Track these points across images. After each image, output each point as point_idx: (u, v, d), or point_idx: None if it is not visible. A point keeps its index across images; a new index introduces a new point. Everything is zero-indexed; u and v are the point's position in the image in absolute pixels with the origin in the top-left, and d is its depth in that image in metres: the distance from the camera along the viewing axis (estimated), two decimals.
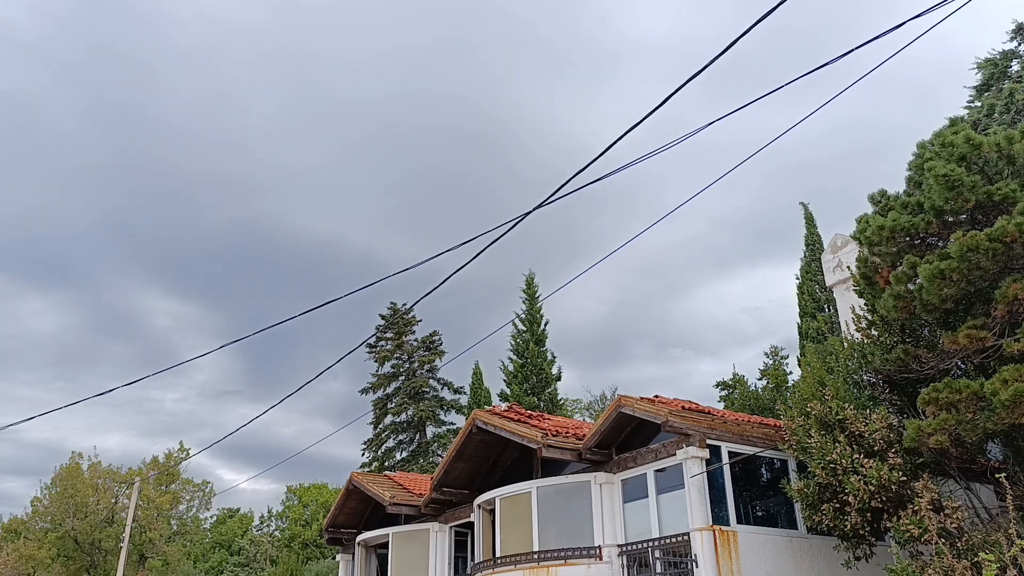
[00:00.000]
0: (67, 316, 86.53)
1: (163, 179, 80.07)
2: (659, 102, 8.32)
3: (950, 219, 10.90)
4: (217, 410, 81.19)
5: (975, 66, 24.76)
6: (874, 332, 12.29)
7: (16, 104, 72.23)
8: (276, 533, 52.28)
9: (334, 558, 28.19)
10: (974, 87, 24.77)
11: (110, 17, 71.10)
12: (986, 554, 7.50)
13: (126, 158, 79.31)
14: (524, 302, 34.23)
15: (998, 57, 24.24)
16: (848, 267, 15.82)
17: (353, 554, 21.56)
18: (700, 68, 8.05)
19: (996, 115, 22.28)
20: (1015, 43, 24.13)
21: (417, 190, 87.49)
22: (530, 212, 10.08)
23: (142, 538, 37.39)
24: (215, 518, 54.82)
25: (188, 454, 42.93)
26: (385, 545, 19.97)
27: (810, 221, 26.97)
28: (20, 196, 79.06)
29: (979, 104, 23.89)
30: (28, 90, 72.90)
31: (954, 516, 10.18)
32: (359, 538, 20.81)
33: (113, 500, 38.96)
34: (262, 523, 55.07)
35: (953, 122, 11.73)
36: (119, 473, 40.44)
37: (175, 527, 42.85)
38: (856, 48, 8.18)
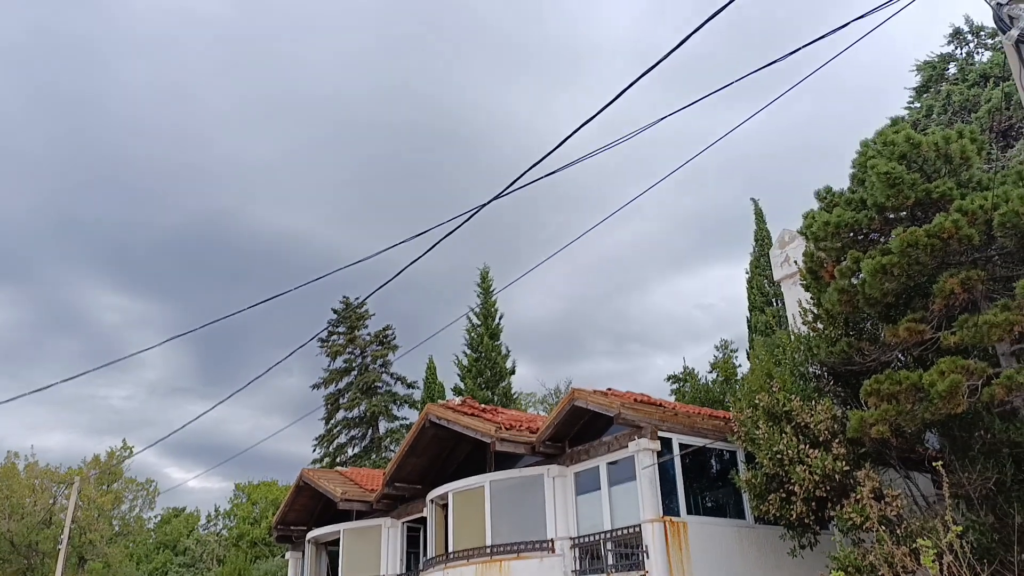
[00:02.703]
0: (7, 312, 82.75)
1: (114, 171, 77.24)
2: (613, 97, 8.33)
3: (891, 216, 11.21)
4: (167, 408, 78.86)
5: (915, 68, 25.60)
6: (819, 325, 12.56)
7: None
8: (223, 532, 51.12)
9: (283, 556, 27.69)
10: (914, 88, 25.62)
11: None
12: (924, 540, 7.75)
13: (75, 148, 76.28)
14: (479, 296, 34.16)
15: (936, 60, 25.13)
16: (795, 262, 16.19)
17: (303, 551, 21.22)
18: (655, 63, 8.08)
19: (935, 115, 23.09)
20: (952, 47, 25.03)
21: (375, 186, 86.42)
22: (484, 205, 10.00)
23: (82, 539, 36.14)
24: (159, 518, 53.31)
25: (131, 452, 41.66)
26: (336, 542, 19.70)
27: (760, 217, 27.54)
28: None
29: (919, 105, 24.73)
30: None
31: (894, 504, 10.50)
32: (309, 535, 20.48)
33: (51, 501, 37.56)
34: (209, 522, 53.79)
35: (894, 122, 12.09)
36: (57, 473, 38.97)
37: (117, 528, 41.51)
38: (803, 47, 8.31)
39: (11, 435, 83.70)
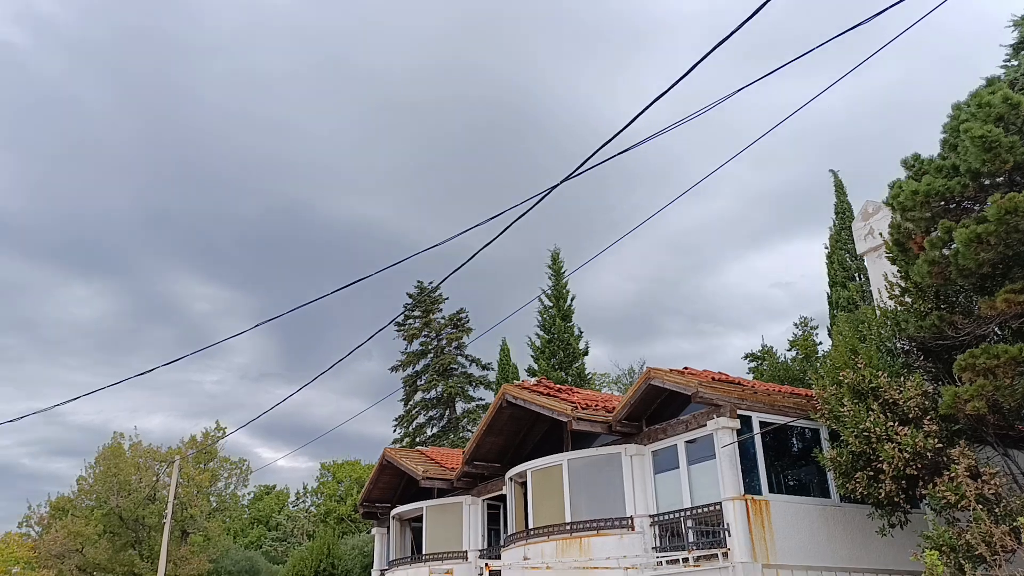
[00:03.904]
0: (109, 302, 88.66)
1: (200, 167, 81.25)
2: (684, 72, 8.20)
3: (987, 182, 10.66)
4: (255, 391, 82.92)
5: (1011, 23, 23.91)
6: (907, 299, 12.12)
7: (57, 95, 73.54)
8: (312, 509, 53.42)
9: (369, 532, 28.77)
10: (1011, 45, 23.91)
11: (144, 1, 71.68)
12: None
13: (164, 147, 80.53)
14: (550, 278, 34.24)
15: None
16: (880, 234, 15.58)
17: (388, 528, 22.01)
18: (727, 34, 7.91)
19: None
20: None
21: (448, 173, 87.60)
22: (555, 187, 10.05)
23: (183, 514, 38.43)
24: (252, 495, 56.16)
25: (224, 433, 43.91)
26: (419, 518, 20.35)
27: (840, 189, 26.49)
28: (63, 187, 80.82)
29: (1016, 63, 23.11)
30: (68, 80, 74.13)
31: (992, 482, 10.10)
32: (393, 512, 21.22)
33: (154, 478, 40.02)
34: (298, 499, 56.32)
35: (990, 82, 11.41)
36: (159, 452, 41.49)
37: (214, 504, 43.94)
38: (886, 8, 7.96)
39: (116, 417, 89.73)
